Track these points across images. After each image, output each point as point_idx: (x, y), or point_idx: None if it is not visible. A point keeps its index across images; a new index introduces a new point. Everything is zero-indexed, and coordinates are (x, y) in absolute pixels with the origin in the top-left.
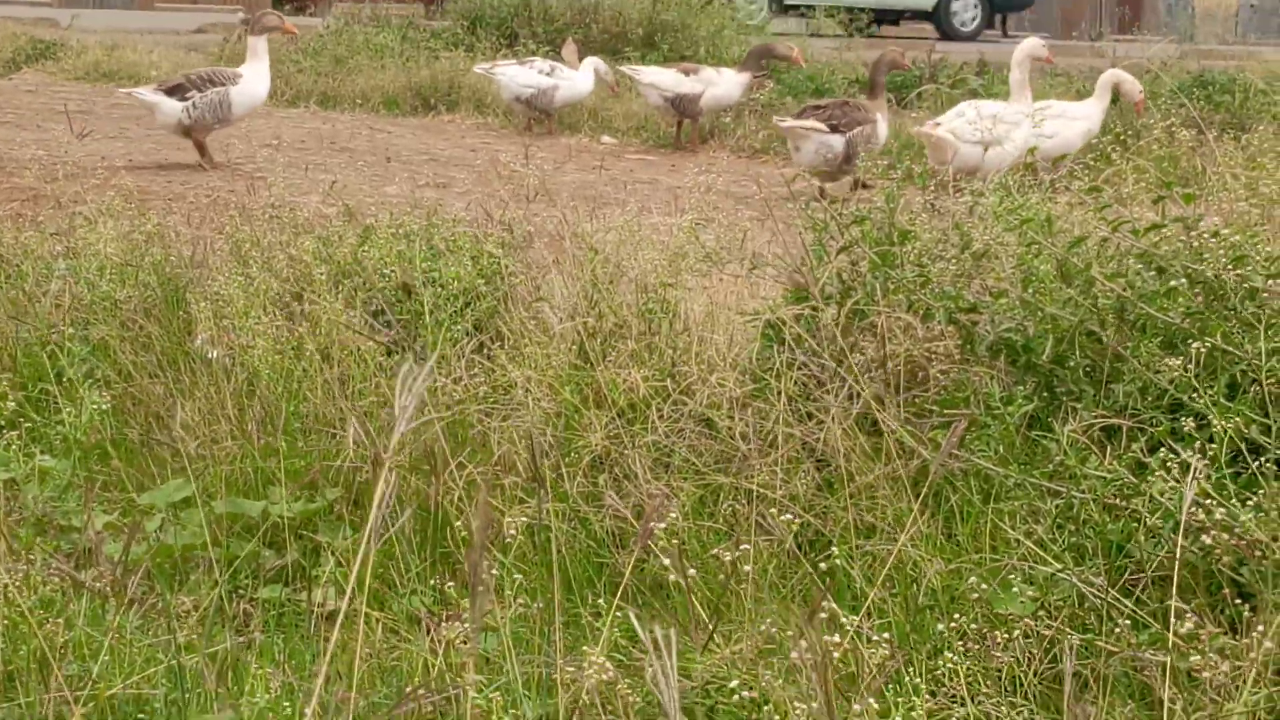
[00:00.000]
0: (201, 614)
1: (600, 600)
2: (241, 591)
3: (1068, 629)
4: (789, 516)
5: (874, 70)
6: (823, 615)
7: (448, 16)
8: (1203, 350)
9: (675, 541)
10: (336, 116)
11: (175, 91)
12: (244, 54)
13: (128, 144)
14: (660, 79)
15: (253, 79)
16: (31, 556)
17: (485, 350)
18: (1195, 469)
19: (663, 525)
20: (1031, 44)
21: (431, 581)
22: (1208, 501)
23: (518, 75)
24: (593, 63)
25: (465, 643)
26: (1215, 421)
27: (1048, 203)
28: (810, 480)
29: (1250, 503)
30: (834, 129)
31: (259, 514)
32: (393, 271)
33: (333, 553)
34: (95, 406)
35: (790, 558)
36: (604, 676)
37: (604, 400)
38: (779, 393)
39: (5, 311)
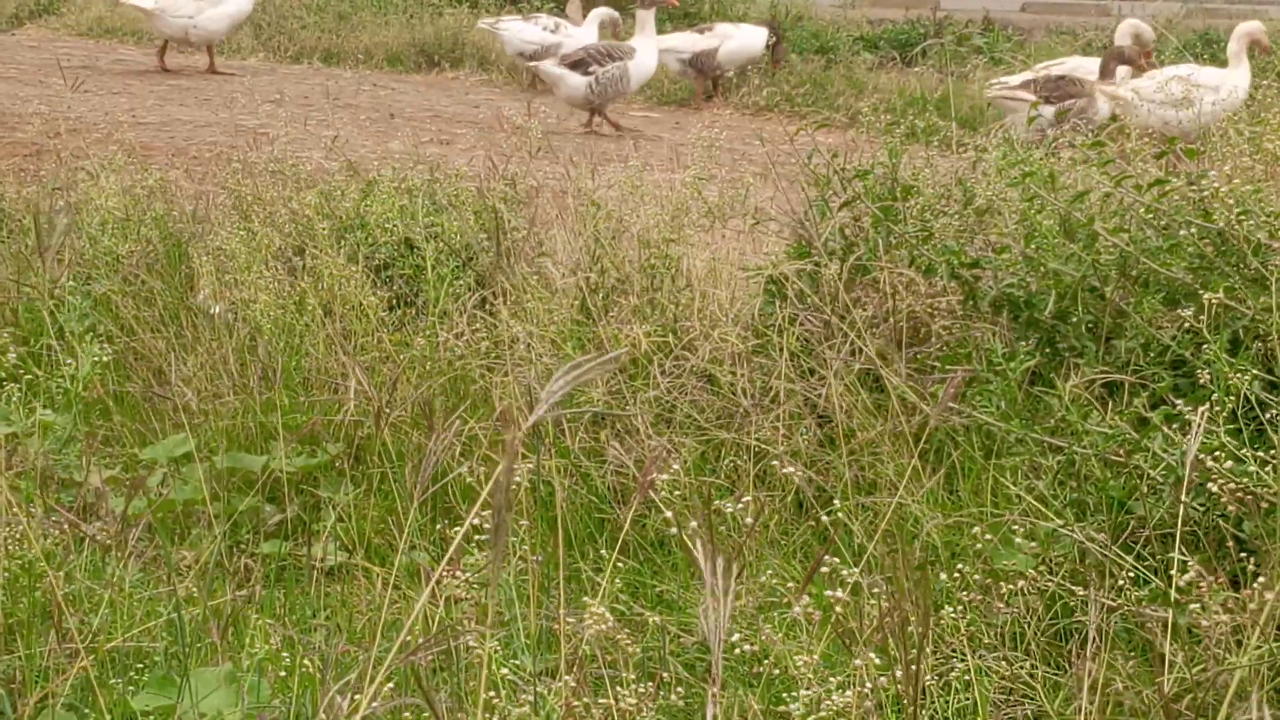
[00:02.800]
0: (202, 568)
1: (601, 554)
2: (242, 546)
3: (1069, 584)
4: (792, 470)
5: (1105, 60)
6: (824, 570)
7: None
8: (1213, 302)
9: (677, 494)
10: (339, 73)
11: (578, 66)
12: None
13: (131, 99)
14: (676, 42)
15: (644, 53)
16: (32, 510)
17: (487, 305)
18: (1198, 424)
19: (664, 477)
20: (1254, 25)
21: (431, 536)
22: (1213, 455)
23: (521, 31)
24: (599, 14)
25: (471, 593)
26: (1219, 377)
27: (1051, 158)
28: (812, 436)
29: (1257, 456)
30: (1046, 100)
31: (260, 469)
32: (395, 226)
33: (333, 507)
34: (96, 360)
35: (791, 513)
36: (603, 627)
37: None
38: (781, 348)
39: (7, 266)
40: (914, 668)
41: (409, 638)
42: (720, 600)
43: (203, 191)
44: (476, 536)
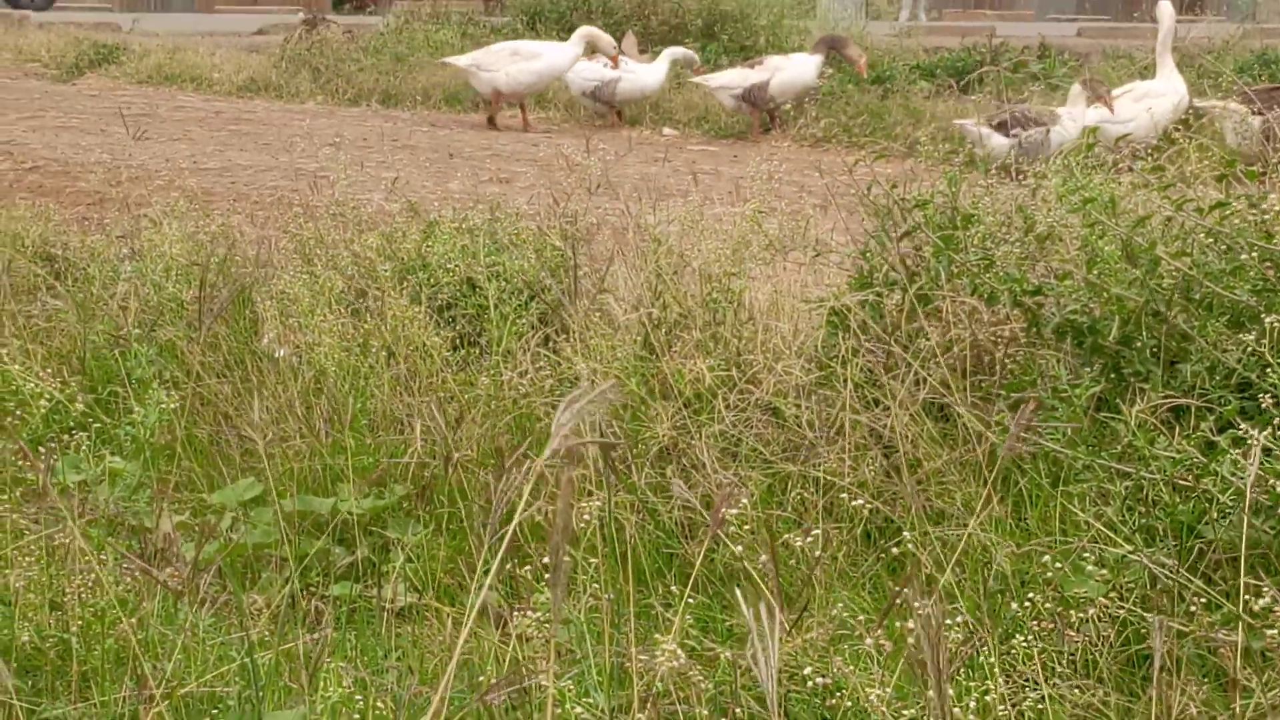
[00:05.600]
0: (273, 611)
1: (671, 590)
2: (312, 589)
3: (1140, 610)
4: (860, 502)
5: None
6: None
7: (507, 12)
8: (1276, 325)
9: (747, 528)
10: (398, 114)
11: (1002, 128)
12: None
13: (191, 145)
14: (728, 80)
15: (1070, 122)
16: (104, 557)
17: (550, 343)
18: (1257, 445)
19: (734, 511)
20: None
21: (502, 575)
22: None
23: (582, 69)
24: (671, 53)
25: (541, 633)
26: None
27: (1111, 183)
28: (878, 467)
29: None
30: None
31: (329, 511)
32: (457, 266)
33: (402, 548)
34: (164, 406)
35: (859, 544)
36: (676, 664)
37: (670, 391)
38: (845, 380)
39: (74, 314)
40: (989, 698)
41: (481, 678)
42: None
43: (265, 236)
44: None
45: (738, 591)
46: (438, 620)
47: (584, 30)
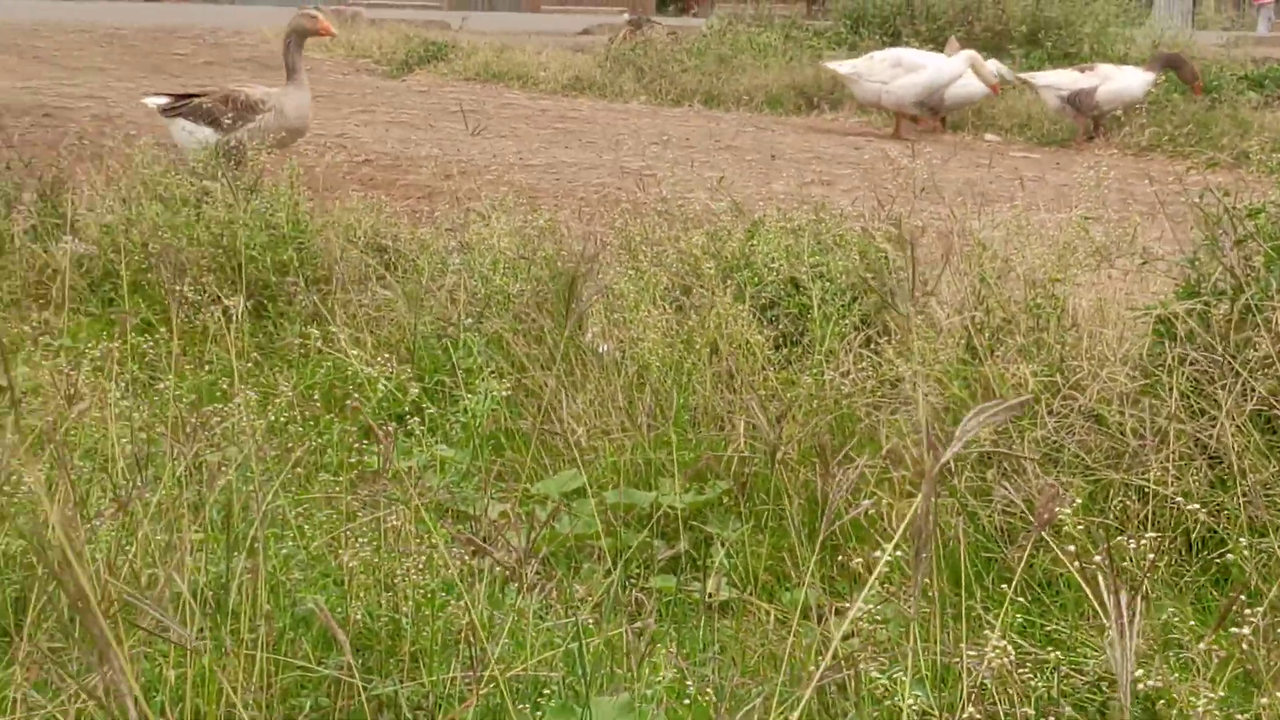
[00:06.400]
0: (597, 600)
1: (990, 593)
2: (632, 580)
3: None
4: (1195, 507)
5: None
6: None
7: (830, 15)
8: None
9: (1066, 534)
10: (720, 115)
11: None
12: (627, 54)
13: (518, 142)
14: (1056, 79)
15: None
16: (434, 541)
17: (872, 344)
18: None
19: (1059, 516)
20: None
21: (821, 573)
22: None
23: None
24: (967, 56)
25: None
26: None
27: None
28: (1203, 477)
29: None
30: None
31: (649, 504)
32: (781, 265)
33: (722, 544)
34: (495, 394)
35: (1181, 554)
36: (1005, 661)
37: (992, 395)
38: (1170, 389)
39: (403, 304)
40: None
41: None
42: (1126, 635)
43: (591, 232)
44: (868, 574)
45: (1099, 580)
46: (757, 616)
47: (969, 52)
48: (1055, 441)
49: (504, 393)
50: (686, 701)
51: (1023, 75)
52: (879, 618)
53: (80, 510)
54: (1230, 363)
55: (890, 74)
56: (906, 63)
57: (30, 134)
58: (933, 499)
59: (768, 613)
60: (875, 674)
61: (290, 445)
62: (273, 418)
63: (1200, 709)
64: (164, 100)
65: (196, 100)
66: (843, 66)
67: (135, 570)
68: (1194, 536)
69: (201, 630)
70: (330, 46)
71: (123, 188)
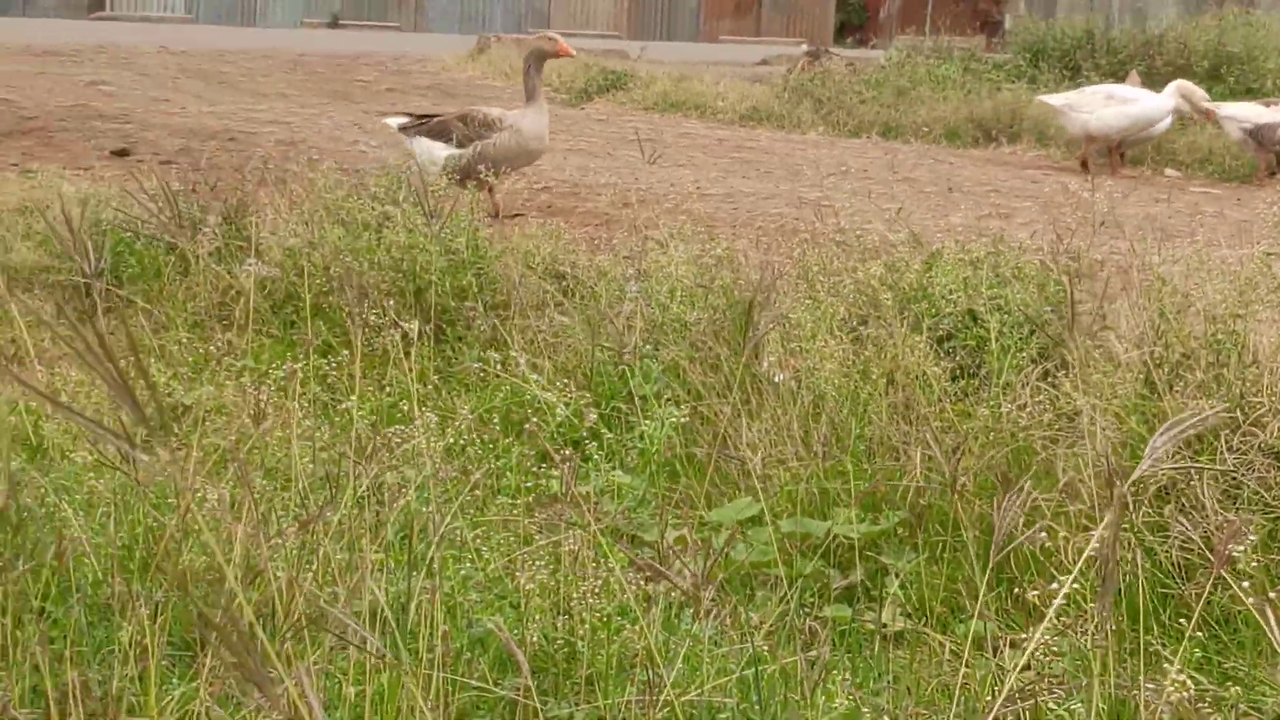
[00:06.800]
0: (772, 628)
1: (1167, 629)
2: (805, 608)
3: None
4: None
5: None
6: None
7: (1009, 48)
8: None
9: (1248, 570)
10: (898, 147)
11: None
12: (805, 85)
13: (695, 171)
14: (1239, 111)
15: None
16: (610, 565)
17: (1050, 378)
18: None
19: (1240, 550)
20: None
21: (995, 606)
22: None
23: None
24: (1177, 86)
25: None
26: None
27: None
28: None
29: None
30: None
31: (823, 534)
32: (959, 297)
33: (896, 574)
34: (673, 420)
35: None
36: (1185, 695)
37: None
38: None
39: (581, 331)
40: None
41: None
42: None
43: (768, 261)
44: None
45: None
46: (930, 647)
47: (1178, 83)
48: (1235, 478)
49: (683, 418)
50: None
51: (1205, 106)
52: (1056, 649)
53: (262, 528)
54: None
55: (1101, 105)
56: (1119, 96)
57: (216, 158)
58: (1117, 527)
59: (941, 644)
60: (1052, 706)
61: (469, 468)
62: (452, 440)
63: None
64: (403, 120)
65: (436, 119)
66: (1055, 99)
67: (318, 588)
68: None
69: (381, 649)
70: (511, 74)
71: (305, 211)
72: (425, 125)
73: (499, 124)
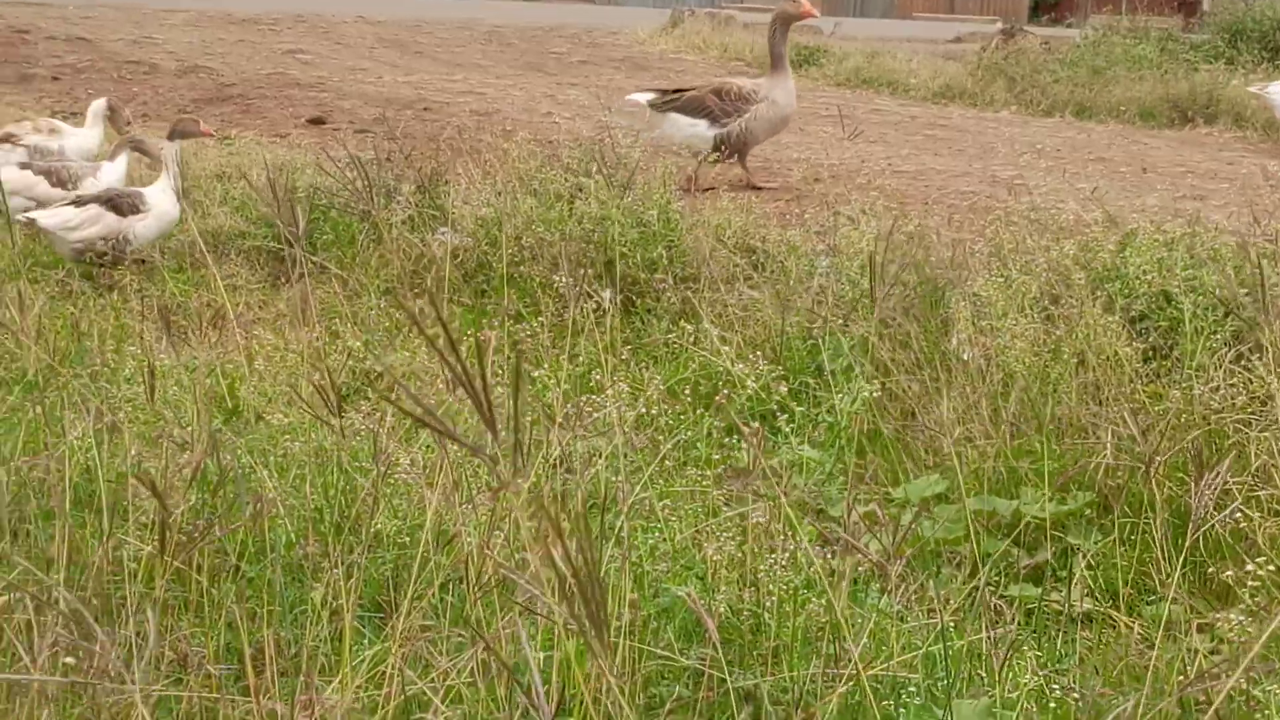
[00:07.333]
0: (958, 605)
1: None
2: (990, 586)
3: None
4: None
5: None
6: None
7: (1207, 29)
8: None
9: None
10: (1092, 126)
11: None
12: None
13: (887, 148)
14: None
15: None
16: (798, 538)
17: (1244, 361)
18: None
19: None
20: None
21: (1184, 588)
22: None
23: None
24: None
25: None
26: None
27: None
28: None
29: None
30: None
31: (1011, 513)
32: (1152, 278)
33: (1083, 555)
34: (864, 395)
35: None
36: None
37: None
38: None
39: (770, 305)
40: None
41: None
42: None
43: (959, 239)
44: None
45: None
46: (1117, 629)
47: None
48: None
49: (875, 393)
50: (1052, 707)
51: None
52: (1248, 631)
53: (456, 493)
54: None
55: None
56: None
57: (410, 127)
58: None
59: (1129, 626)
60: (1244, 689)
61: (659, 439)
62: (642, 411)
63: None
64: (651, 96)
65: (689, 94)
66: (1262, 89)
67: (509, 553)
68: None
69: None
70: (704, 48)
71: (498, 181)
72: (676, 101)
73: (754, 96)
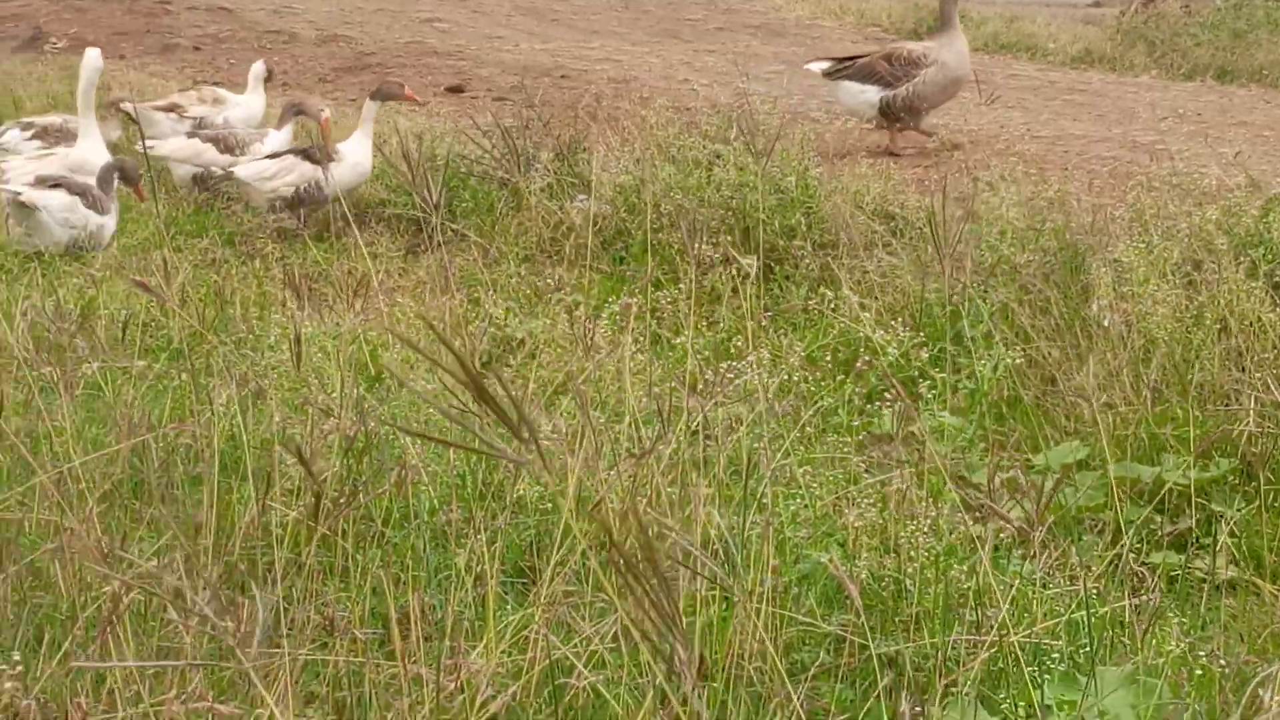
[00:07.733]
0: (1101, 572)
1: None
2: (1133, 554)
3: None
4: None
5: None
6: None
7: None
8: None
9: None
10: (1234, 90)
11: None
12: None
13: (1025, 114)
14: None
15: None
16: (939, 505)
17: None
18: None
19: None
20: None
21: None
22: None
23: None
24: None
25: None
26: None
27: None
28: None
29: None
30: None
31: (1152, 479)
32: None
33: (1226, 522)
34: (1007, 361)
35: None
36: None
37: None
38: None
39: (910, 271)
40: None
41: None
42: None
43: (1100, 205)
44: None
45: None
46: (1261, 596)
47: None
48: None
49: (1018, 359)
50: (1199, 673)
51: None
52: None
53: (597, 459)
54: None
55: None
56: None
57: (548, 95)
58: None
59: (1274, 594)
60: None
61: (799, 405)
62: (785, 377)
63: None
64: (826, 64)
65: (861, 61)
66: None
67: (652, 519)
68: None
69: (713, 580)
70: (841, 14)
71: (636, 149)
72: (849, 69)
73: (924, 60)
